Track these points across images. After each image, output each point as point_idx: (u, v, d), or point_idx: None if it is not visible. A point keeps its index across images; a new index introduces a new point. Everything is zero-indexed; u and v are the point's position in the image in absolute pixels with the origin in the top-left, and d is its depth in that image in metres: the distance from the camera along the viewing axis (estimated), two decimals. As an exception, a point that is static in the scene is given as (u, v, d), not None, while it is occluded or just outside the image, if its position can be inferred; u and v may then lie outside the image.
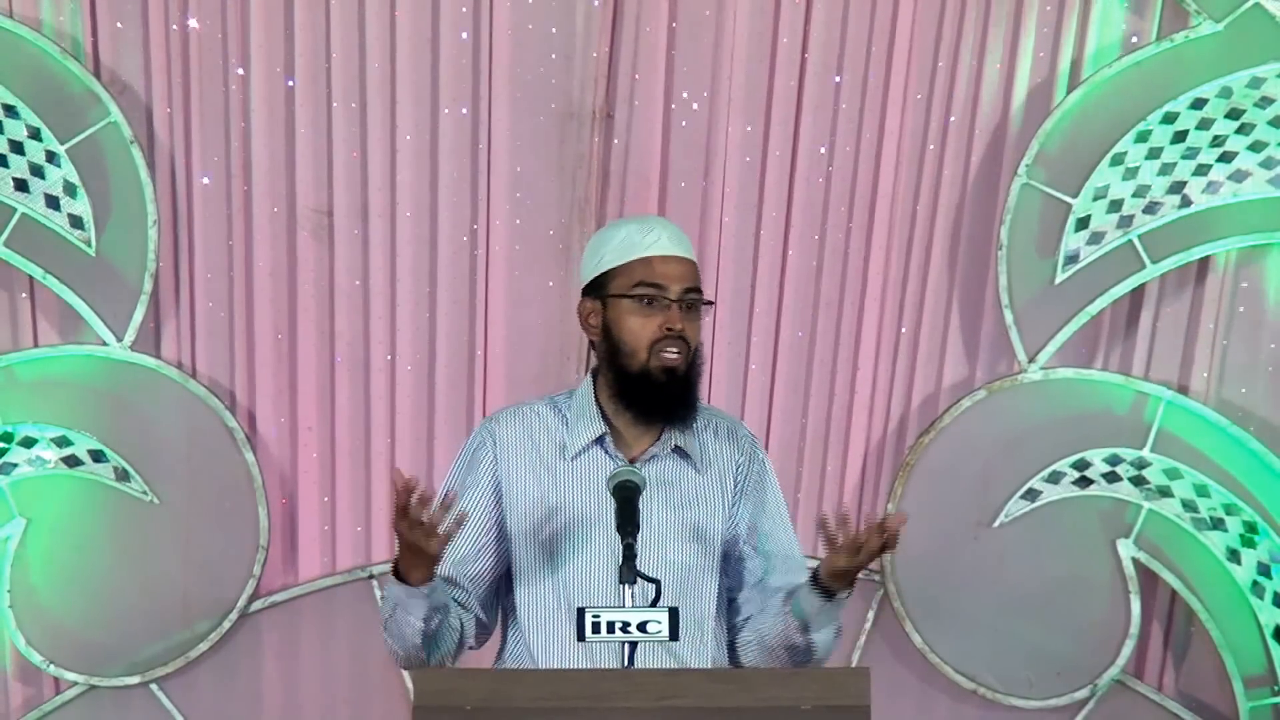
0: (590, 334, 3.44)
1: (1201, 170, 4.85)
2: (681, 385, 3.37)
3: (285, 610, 4.97)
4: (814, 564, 4.95)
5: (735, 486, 3.46)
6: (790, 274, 4.92)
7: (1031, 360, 4.93)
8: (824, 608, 3.32)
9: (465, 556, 3.42)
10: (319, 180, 4.85)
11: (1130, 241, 4.88)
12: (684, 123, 4.87)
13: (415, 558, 3.23)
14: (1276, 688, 4.96)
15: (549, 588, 3.40)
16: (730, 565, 3.48)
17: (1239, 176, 4.86)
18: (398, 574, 3.28)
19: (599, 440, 3.41)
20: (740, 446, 3.49)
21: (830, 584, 3.30)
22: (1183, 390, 4.97)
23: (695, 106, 4.86)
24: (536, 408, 3.47)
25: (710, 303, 3.47)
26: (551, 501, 3.40)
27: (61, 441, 4.81)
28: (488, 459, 3.45)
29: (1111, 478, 4.94)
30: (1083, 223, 4.88)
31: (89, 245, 4.78)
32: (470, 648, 3.49)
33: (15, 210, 4.76)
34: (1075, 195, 4.87)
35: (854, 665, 4.91)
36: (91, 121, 4.76)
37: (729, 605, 3.51)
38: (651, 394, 3.37)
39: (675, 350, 3.35)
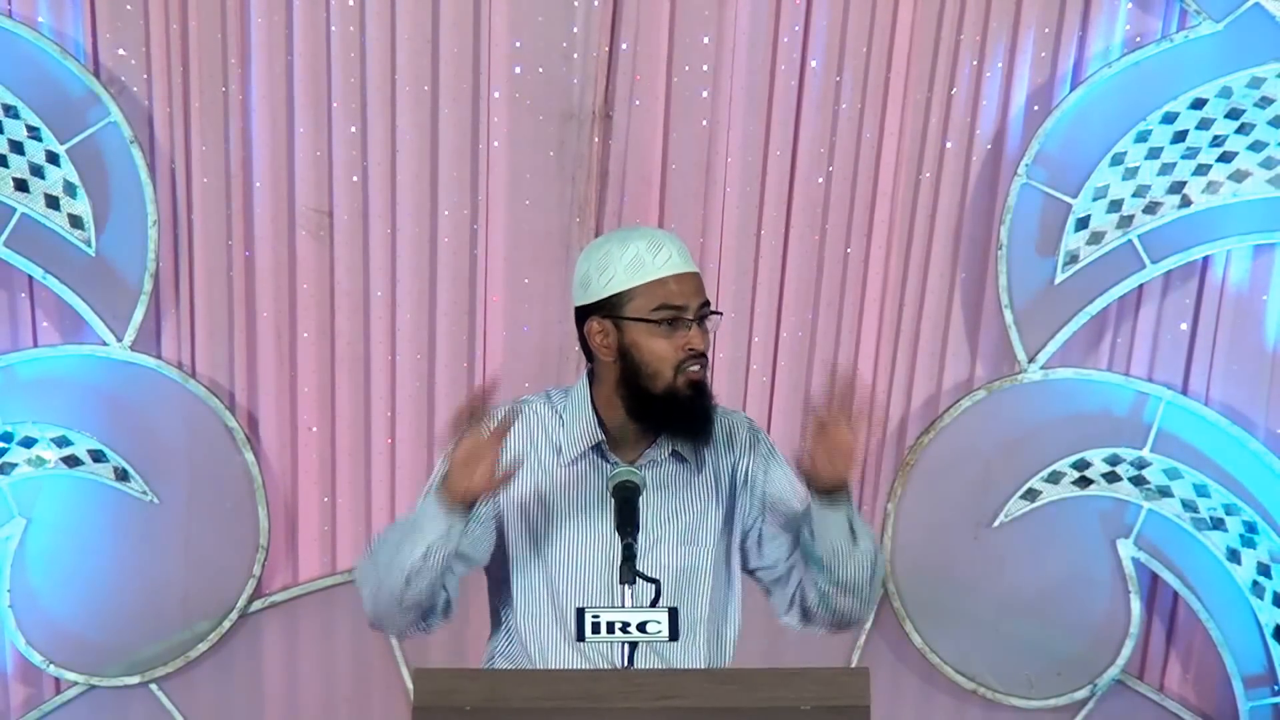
0: (603, 354, 3.37)
1: (1201, 170, 4.86)
2: (705, 399, 3.37)
3: (285, 610, 4.97)
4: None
5: (731, 487, 3.45)
6: (790, 274, 4.92)
7: (1031, 360, 4.93)
8: (838, 507, 3.32)
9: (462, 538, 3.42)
10: (319, 180, 4.85)
11: (1130, 241, 4.88)
12: (684, 123, 4.87)
13: (463, 478, 3.20)
14: (1276, 688, 4.96)
15: (545, 589, 3.39)
16: (759, 550, 3.47)
17: (1239, 176, 4.86)
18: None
19: (596, 446, 3.41)
20: (738, 442, 3.48)
21: (824, 489, 3.30)
22: (1183, 390, 4.98)
23: (695, 107, 4.86)
24: (534, 405, 3.45)
25: (718, 313, 3.44)
26: (548, 504, 3.40)
27: (61, 441, 4.82)
28: None
29: (1111, 478, 4.95)
30: (1083, 223, 4.88)
31: (89, 245, 4.78)
32: (421, 630, 3.42)
33: (15, 210, 4.76)
34: (1075, 195, 4.87)
35: (854, 665, 4.91)
36: (91, 121, 4.76)
37: (776, 582, 3.49)
38: (678, 412, 3.35)
39: (698, 366, 3.35)
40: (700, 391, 3.35)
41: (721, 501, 3.44)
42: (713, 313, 3.39)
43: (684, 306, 3.34)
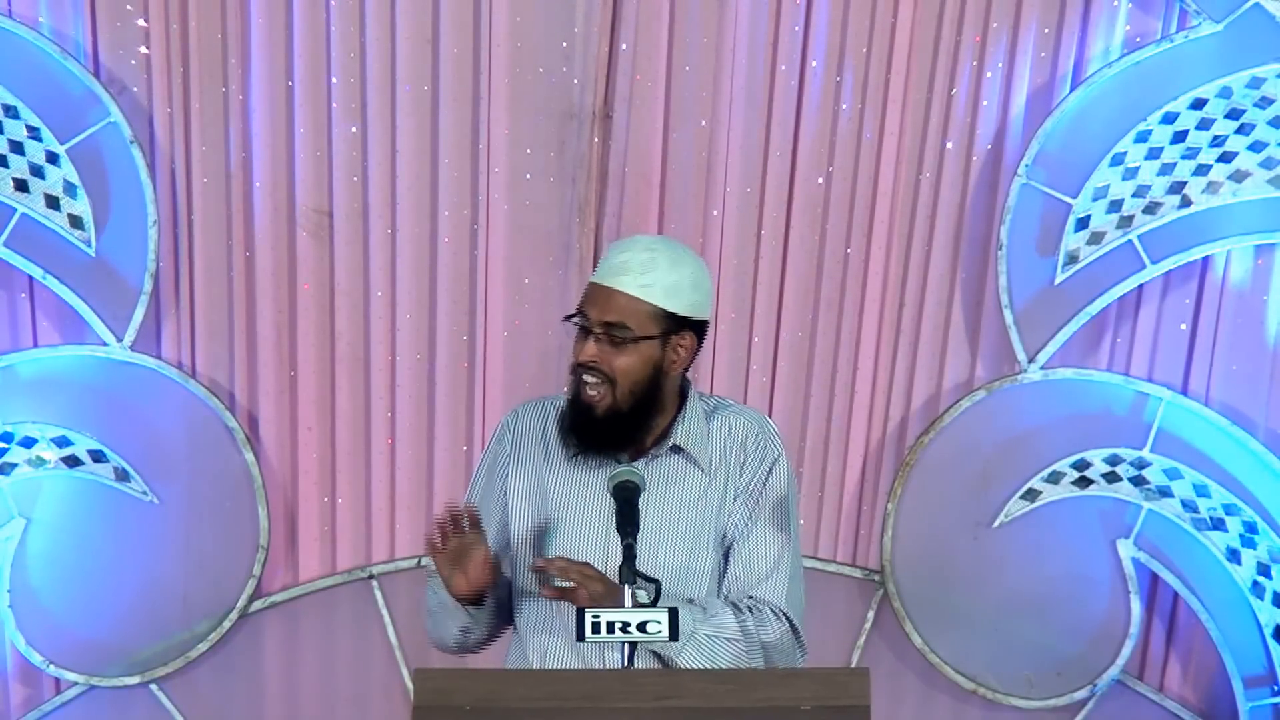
0: None
1: (1201, 170, 4.85)
2: (604, 422, 3.33)
3: (285, 610, 4.97)
4: (811, 563, 4.97)
5: (735, 491, 3.42)
6: (790, 274, 4.92)
7: (1031, 360, 4.93)
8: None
9: (498, 553, 3.45)
10: (319, 180, 4.85)
11: (1130, 241, 4.88)
12: (684, 123, 4.87)
13: (459, 583, 3.31)
14: (1276, 687, 4.96)
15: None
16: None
17: (1239, 176, 4.86)
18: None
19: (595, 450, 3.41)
20: (755, 451, 3.42)
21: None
22: (1183, 390, 4.98)
23: (695, 107, 4.86)
24: (558, 401, 3.46)
25: (650, 337, 3.32)
26: (552, 497, 3.40)
27: (61, 441, 4.81)
28: (504, 453, 3.46)
29: (1111, 478, 4.95)
30: (1083, 223, 4.88)
31: (89, 245, 4.78)
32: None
33: (15, 210, 4.76)
34: (1075, 195, 4.87)
35: (854, 665, 4.91)
36: (91, 121, 4.76)
37: None
38: (572, 419, 3.36)
39: (589, 380, 3.32)
40: (587, 410, 3.33)
41: (726, 505, 3.42)
42: (634, 337, 3.31)
43: (586, 315, 3.33)
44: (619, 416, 3.33)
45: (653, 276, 3.32)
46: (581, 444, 3.37)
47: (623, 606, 3.09)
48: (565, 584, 3.23)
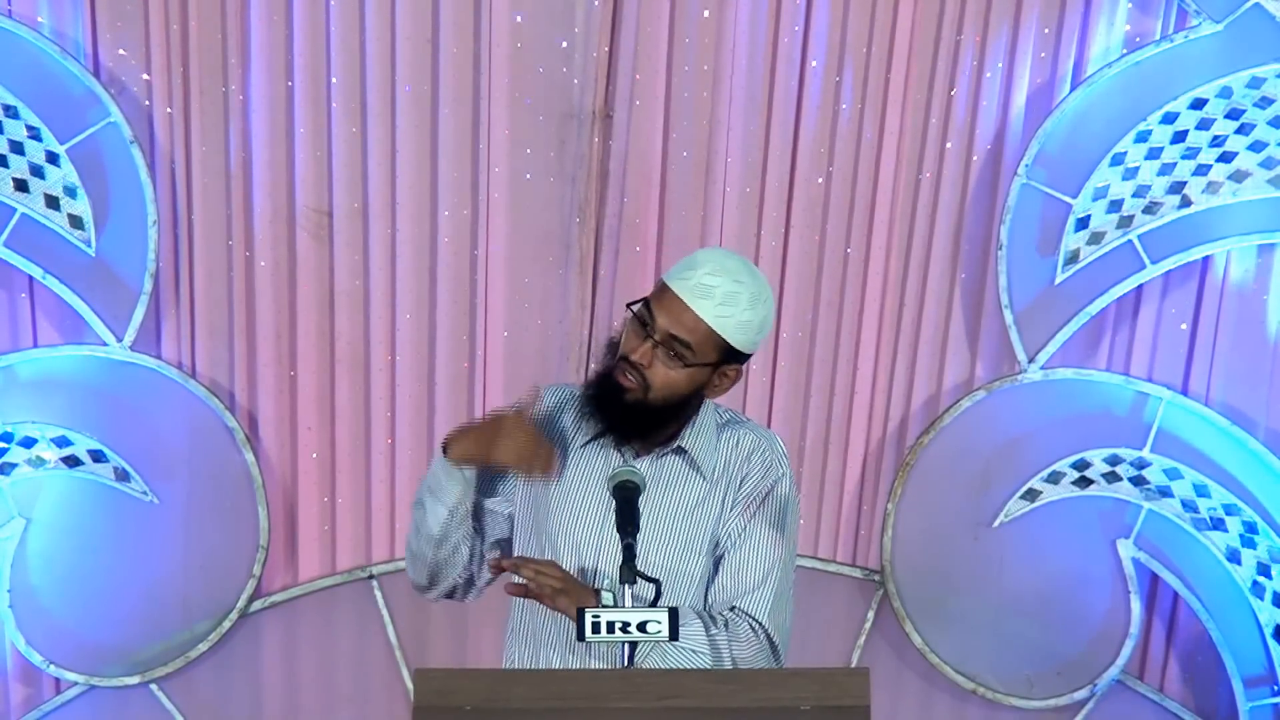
0: None
1: (1201, 170, 4.86)
2: (629, 407, 3.31)
3: (285, 610, 4.97)
4: (811, 563, 4.97)
5: (732, 501, 3.41)
6: (790, 274, 4.92)
7: (1031, 360, 4.93)
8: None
9: (492, 499, 3.45)
10: (319, 180, 4.85)
11: (1130, 241, 4.88)
12: (684, 123, 4.87)
13: (478, 444, 3.31)
14: (1276, 687, 4.96)
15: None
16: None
17: (1239, 176, 4.86)
18: (445, 451, 3.33)
19: (603, 433, 3.40)
20: (760, 466, 3.41)
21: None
22: (1183, 390, 4.98)
23: (695, 107, 4.86)
24: (574, 389, 3.46)
25: (706, 364, 3.31)
26: (554, 489, 3.39)
27: (61, 441, 4.81)
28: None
29: (1111, 478, 4.95)
30: (1083, 223, 4.88)
31: (89, 245, 4.78)
32: (458, 598, 3.49)
33: (15, 210, 4.76)
34: (1075, 195, 4.87)
35: (854, 665, 4.91)
36: (91, 121, 4.76)
37: None
38: (598, 391, 3.34)
39: (629, 377, 3.30)
40: (616, 396, 3.30)
41: (723, 514, 3.41)
42: (694, 361, 3.29)
43: (653, 314, 3.30)
44: (645, 410, 3.32)
45: (732, 310, 3.31)
46: (598, 416, 3.36)
47: (600, 605, 3.08)
48: (522, 581, 3.24)
